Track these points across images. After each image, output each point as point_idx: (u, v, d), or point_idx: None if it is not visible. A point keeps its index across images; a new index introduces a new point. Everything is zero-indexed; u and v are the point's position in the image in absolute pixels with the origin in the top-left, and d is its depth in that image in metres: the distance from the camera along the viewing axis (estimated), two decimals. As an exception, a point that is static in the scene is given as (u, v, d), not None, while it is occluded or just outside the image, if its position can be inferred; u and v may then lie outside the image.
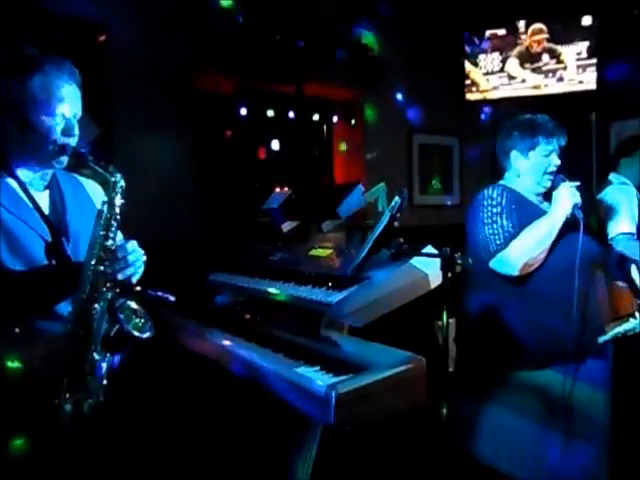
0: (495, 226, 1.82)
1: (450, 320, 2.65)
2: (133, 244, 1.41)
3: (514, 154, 1.93)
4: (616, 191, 2.74)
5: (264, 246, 2.59)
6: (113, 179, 1.37)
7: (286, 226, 2.48)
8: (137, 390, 2.02)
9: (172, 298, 1.51)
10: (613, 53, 3.71)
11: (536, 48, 3.84)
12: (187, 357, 2.30)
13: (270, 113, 3.31)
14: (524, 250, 1.77)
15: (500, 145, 1.98)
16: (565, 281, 1.73)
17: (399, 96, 3.91)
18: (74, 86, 1.40)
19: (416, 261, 1.92)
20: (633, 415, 2.15)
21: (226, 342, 2.16)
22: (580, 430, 1.78)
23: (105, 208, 1.36)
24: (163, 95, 3.02)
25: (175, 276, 2.54)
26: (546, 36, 3.81)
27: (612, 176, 2.84)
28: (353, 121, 3.65)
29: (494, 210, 1.84)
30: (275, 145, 3.42)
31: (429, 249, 1.92)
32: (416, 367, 1.75)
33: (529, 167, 1.92)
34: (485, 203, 1.87)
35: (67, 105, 1.37)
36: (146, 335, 1.35)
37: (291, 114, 3.38)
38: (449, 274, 1.68)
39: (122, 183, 1.38)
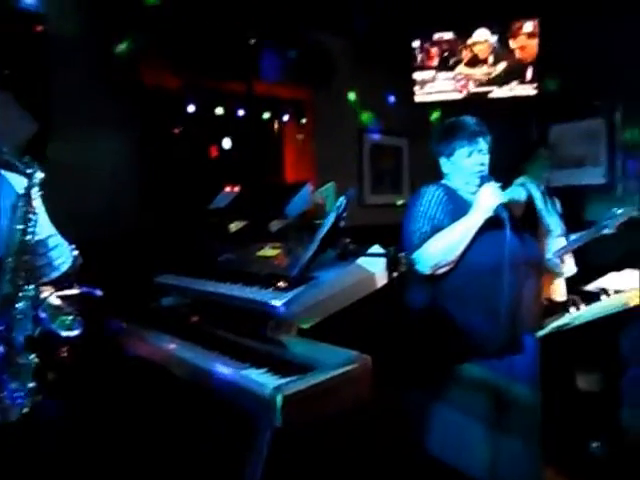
0: (417, 224, 1.85)
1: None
2: (56, 239, 1.37)
3: (442, 160, 1.98)
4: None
5: (213, 246, 2.55)
6: (29, 170, 1.31)
7: (233, 226, 2.45)
8: (76, 394, 1.95)
9: (99, 292, 1.50)
10: (552, 58, 3.88)
11: (481, 53, 3.96)
12: (130, 361, 2.23)
13: (219, 111, 3.25)
14: (435, 251, 1.79)
15: (433, 150, 2.01)
16: (490, 278, 1.75)
17: (350, 96, 3.94)
18: None
19: (362, 261, 1.93)
20: (562, 408, 2.27)
21: (171, 345, 2.11)
22: (507, 423, 1.82)
23: (21, 201, 1.31)
24: (106, 89, 2.91)
25: (119, 277, 2.47)
26: (492, 41, 3.93)
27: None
28: (304, 120, 3.64)
29: (421, 208, 1.87)
30: (225, 144, 3.37)
31: (376, 249, 1.94)
32: (362, 366, 1.77)
33: (456, 170, 1.94)
34: (417, 200, 1.90)
35: None
36: (75, 333, 1.31)
37: (241, 112, 3.33)
38: (394, 273, 1.72)
39: (39, 175, 1.33)
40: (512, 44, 3.91)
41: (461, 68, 4.02)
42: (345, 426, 1.93)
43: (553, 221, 3.13)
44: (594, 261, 3.00)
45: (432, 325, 1.87)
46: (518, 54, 3.91)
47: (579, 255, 3.07)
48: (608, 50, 3.69)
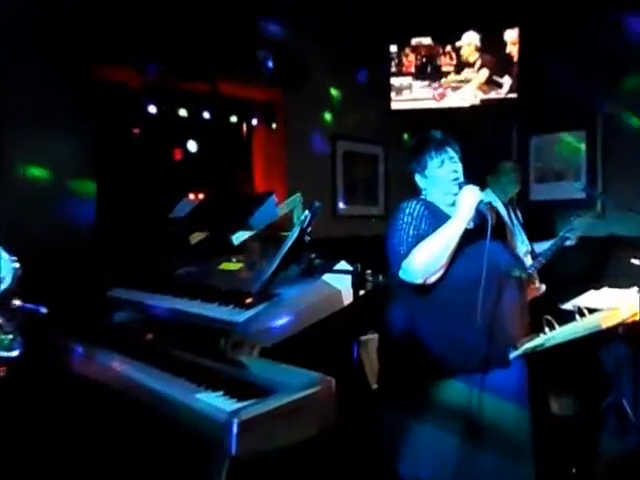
0: (402, 235, 1.83)
1: (373, 335, 2.62)
2: None
3: (417, 176, 1.99)
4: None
5: (171, 259, 2.43)
6: None
7: (194, 237, 2.33)
8: (17, 417, 1.83)
9: (44, 310, 1.46)
10: (534, 67, 3.83)
11: (466, 58, 3.90)
12: (77, 382, 2.08)
13: (182, 112, 3.08)
14: (424, 257, 1.77)
15: (408, 169, 2.02)
16: (473, 291, 1.73)
17: (324, 101, 3.83)
18: None
19: (328, 277, 1.86)
20: (549, 421, 2.20)
21: (122, 365, 1.99)
22: (492, 439, 1.78)
23: None
24: (60, 87, 2.73)
25: (68, 290, 2.32)
26: (477, 45, 3.87)
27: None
28: (274, 125, 3.51)
29: (404, 220, 1.86)
30: (189, 148, 3.18)
31: (342, 265, 1.86)
32: (324, 389, 1.70)
33: (432, 183, 1.95)
34: (398, 215, 1.89)
35: None
36: (14, 354, 1.21)
37: (206, 114, 3.17)
38: (360, 291, 1.63)
39: None
40: (496, 49, 3.83)
41: (444, 76, 3.93)
42: (308, 454, 1.82)
43: (516, 231, 3.12)
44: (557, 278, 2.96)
45: (416, 340, 1.82)
46: (502, 60, 3.84)
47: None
48: (590, 61, 3.66)
